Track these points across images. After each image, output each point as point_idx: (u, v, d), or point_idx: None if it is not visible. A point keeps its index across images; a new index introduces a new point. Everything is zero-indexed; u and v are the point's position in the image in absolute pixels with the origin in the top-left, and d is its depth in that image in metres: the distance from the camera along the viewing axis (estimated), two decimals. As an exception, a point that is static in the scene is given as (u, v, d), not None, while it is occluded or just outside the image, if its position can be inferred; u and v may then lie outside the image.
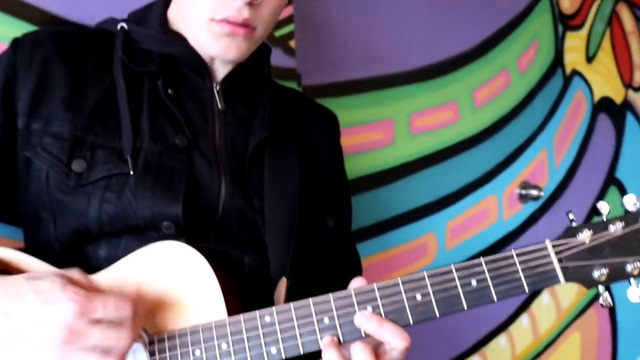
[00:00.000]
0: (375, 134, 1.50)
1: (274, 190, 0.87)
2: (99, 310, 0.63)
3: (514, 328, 1.80)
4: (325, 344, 0.70)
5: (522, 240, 1.84)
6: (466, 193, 1.69)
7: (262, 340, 0.71)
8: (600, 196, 2.11)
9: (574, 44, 2.03)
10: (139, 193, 0.78)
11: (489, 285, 0.71)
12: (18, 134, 0.80)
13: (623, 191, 2.20)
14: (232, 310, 0.73)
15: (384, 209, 1.51)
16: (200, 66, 0.88)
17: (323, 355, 0.70)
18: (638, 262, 0.71)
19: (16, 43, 0.84)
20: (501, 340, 1.77)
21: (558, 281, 0.71)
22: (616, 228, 0.72)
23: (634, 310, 2.24)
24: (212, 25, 0.82)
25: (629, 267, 0.71)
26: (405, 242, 1.55)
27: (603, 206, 0.74)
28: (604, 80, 2.15)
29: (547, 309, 1.91)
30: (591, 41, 2.11)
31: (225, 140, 0.87)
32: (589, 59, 2.10)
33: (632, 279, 0.72)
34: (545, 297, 1.90)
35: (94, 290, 0.66)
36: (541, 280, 0.71)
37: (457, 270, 0.71)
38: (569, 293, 1.98)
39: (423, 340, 1.57)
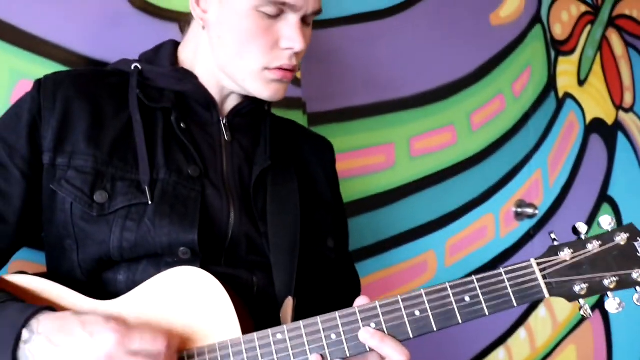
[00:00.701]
0: (377, 157, 1.55)
1: (277, 214, 0.92)
2: (136, 342, 0.70)
3: (512, 341, 1.84)
4: None
5: (519, 257, 1.88)
6: (464, 212, 1.74)
7: (275, 356, 0.76)
8: (594, 213, 2.15)
9: (566, 68, 2.08)
10: (157, 221, 0.83)
11: (480, 301, 0.77)
12: (44, 169, 0.85)
13: (616, 208, 2.24)
14: (245, 328, 0.78)
15: (386, 228, 1.56)
16: (208, 102, 0.94)
17: None
18: (614, 277, 0.77)
19: (39, 84, 0.88)
20: (500, 352, 1.81)
21: (543, 296, 0.77)
22: (594, 246, 0.79)
23: (629, 324, 2.28)
24: (265, 73, 0.89)
25: (606, 282, 0.78)
26: (406, 259, 1.60)
27: (581, 226, 0.81)
28: (596, 102, 2.20)
29: (544, 323, 1.95)
30: (582, 65, 2.15)
31: (232, 170, 0.93)
32: (581, 82, 2.14)
33: (609, 293, 0.78)
34: (541, 310, 1.95)
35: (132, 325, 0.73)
36: (528, 295, 0.77)
37: (451, 287, 0.77)
38: (564, 307, 2.02)
39: (425, 354, 1.62)
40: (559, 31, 2.07)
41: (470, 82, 1.77)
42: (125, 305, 0.79)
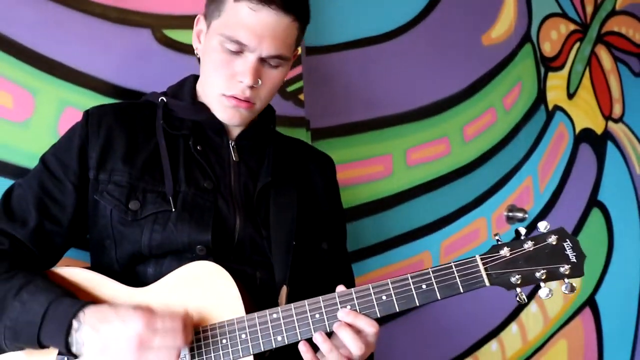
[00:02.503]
0: (375, 167, 1.67)
1: (277, 221, 1.07)
2: (159, 323, 0.86)
3: (504, 334, 1.94)
4: (317, 333, 0.91)
5: None
6: (458, 216, 1.85)
7: (271, 331, 0.92)
8: (584, 217, 2.23)
9: (556, 83, 2.17)
10: (179, 225, 0.99)
11: (434, 288, 0.92)
12: (89, 183, 1.02)
13: (606, 213, 2.31)
14: (248, 310, 0.94)
15: (385, 231, 1.68)
16: (219, 129, 1.08)
17: (314, 337, 0.91)
18: (544, 270, 0.91)
19: (87, 115, 1.05)
20: (492, 345, 1.92)
21: (485, 284, 0.92)
22: (528, 245, 0.93)
23: (619, 320, 2.35)
24: (222, 99, 1.04)
25: (537, 274, 0.92)
26: (404, 259, 1.72)
27: (521, 230, 0.94)
28: (585, 114, 2.27)
29: (535, 318, 2.05)
30: (572, 80, 2.23)
31: (239, 185, 1.07)
32: (570, 95, 2.22)
33: (541, 283, 0.92)
34: (532, 307, 2.05)
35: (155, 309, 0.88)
36: (472, 284, 0.92)
37: (412, 277, 0.93)
38: (555, 304, 2.12)
39: (422, 343, 1.74)
40: (549, 49, 2.15)
41: (463, 97, 1.87)
42: (153, 292, 0.96)
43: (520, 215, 1.96)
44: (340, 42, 1.60)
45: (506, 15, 2.00)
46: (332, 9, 1.58)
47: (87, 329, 0.85)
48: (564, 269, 0.91)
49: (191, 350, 0.92)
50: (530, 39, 2.09)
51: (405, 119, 1.74)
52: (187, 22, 1.28)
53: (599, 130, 2.33)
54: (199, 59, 1.10)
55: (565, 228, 0.94)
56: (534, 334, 2.05)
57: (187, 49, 1.29)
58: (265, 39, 0.99)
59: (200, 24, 1.08)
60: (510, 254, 0.92)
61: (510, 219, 1.98)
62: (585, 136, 2.27)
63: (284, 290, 1.01)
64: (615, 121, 2.40)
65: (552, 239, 0.92)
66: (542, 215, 2.10)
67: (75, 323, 0.85)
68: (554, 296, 0.94)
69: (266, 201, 1.09)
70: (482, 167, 1.92)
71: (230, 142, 1.10)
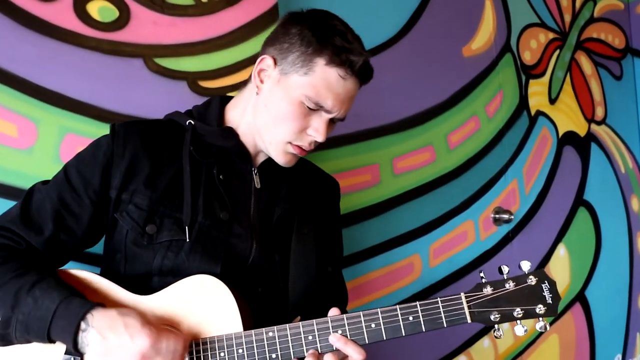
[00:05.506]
0: (364, 176, 1.71)
1: (298, 251, 1.09)
2: (163, 344, 0.88)
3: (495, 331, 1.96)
4: (309, 354, 0.94)
5: (499, 257, 2.00)
6: (445, 220, 1.87)
7: (266, 348, 0.95)
8: (571, 216, 2.25)
9: (537, 89, 2.19)
10: (191, 256, 1.00)
11: (420, 321, 0.94)
12: (111, 201, 1.01)
13: (592, 211, 2.32)
14: (246, 325, 0.96)
15: (375, 236, 1.72)
16: (245, 156, 1.09)
17: None
18: (522, 310, 0.95)
19: (114, 132, 1.03)
20: (485, 341, 1.94)
21: (467, 321, 0.94)
22: (510, 285, 0.96)
23: (610, 314, 2.35)
24: (287, 146, 1.04)
25: (515, 313, 0.95)
26: (394, 262, 1.75)
27: (504, 268, 0.97)
28: (567, 117, 2.28)
29: (525, 315, 2.06)
30: (553, 86, 2.25)
31: (258, 212, 1.08)
32: (552, 100, 2.24)
33: (518, 321, 0.96)
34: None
35: (161, 327, 0.91)
36: (455, 320, 0.94)
37: (400, 309, 0.95)
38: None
39: (415, 340, 1.76)
40: (529, 57, 2.17)
41: (446, 107, 1.90)
42: (156, 301, 0.98)
43: (506, 217, 1.99)
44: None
45: (485, 27, 2.03)
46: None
47: (93, 333, 0.87)
48: (539, 309, 0.94)
49: None
50: (510, 49, 2.11)
51: (391, 129, 1.77)
52: (176, 50, 1.34)
53: (582, 132, 2.34)
54: (247, 83, 1.11)
55: (545, 271, 0.97)
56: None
57: (178, 75, 1.35)
58: (344, 104, 1.03)
59: (264, 63, 1.05)
60: (493, 293, 0.95)
61: (496, 221, 2.01)
62: (568, 139, 2.29)
63: (297, 319, 1.02)
64: (598, 123, 2.41)
65: (532, 280, 0.95)
66: (529, 215, 2.12)
67: (83, 324, 0.87)
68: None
69: (284, 226, 1.10)
70: (468, 172, 1.95)
71: (253, 170, 1.11)
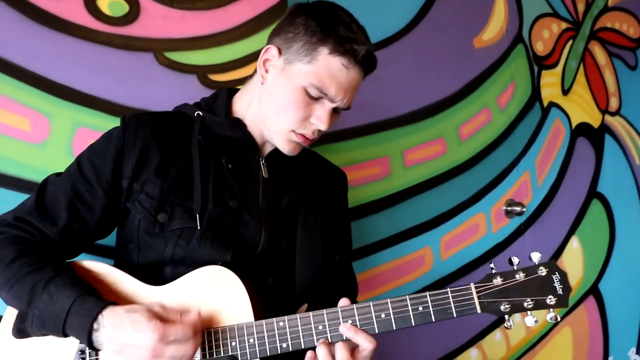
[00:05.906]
0: (374, 169, 1.70)
1: (304, 239, 1.10)
2: (171, 336, 0.88)
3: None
4: (319, 343, 0.95)
5: (511, 249, 1.98)
6: (456, 212, 1.86)
7: (277, 338, 0.95)
8: (584, 208, 2.22)
9: (550, 80, 2.15)
10: (202, 243, 1.01)
11: (430, 311, 0.95)
12: (122, 191, 1.03)
13: (606, 203, 2.29)
14: (257, 315, 0.97)
15: (386, 229, 1.71)
16: (252, 146, 1.10)
17: (317, 350, 0.94)
18: (532, 301, 0.94)
19: (125, 124, 1.05)
20: (496, 334, 1.92)
21: (477, 311, 0.94)
22: (520, 276, 0.95)
23: (624, 307, 2.32)
24: (291, 134, 1.05)
25: (525, 304, 0.95)
26: (405, 254, 1.74)
27: (515, 259, 0.97)
28: (580, 109, 2.25)
29: (538, 307, 2.04)
30: (566, 77, 2.21)
31: (267, 201, 1.09)
32: (565, 91, 2.20)
33: (528, 312, 0.95)
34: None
35: (169, 319, 0.91)
36: (465, 310, 0.95)
37: (410, 299, 0.96)
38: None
39: (426, 332, 1.76)
40: (541, 48, 2.14)
41: (457, 99, 1.88)
42: (169, 292, 0.99)
43: (518, 209, 1.97)
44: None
45: (497, 18, 2.01)
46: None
47: (105, 332, 0.88)
48: (551, 300, 0.94)
49: (202, 349, 0.95)
50: (522, 39, 2.09)
51: (401, 122, 1.76)
52: (186, 44, 1.35)
53: (595, 124, 2.31)
54: (253, 75, 1.12)
55: (556, 263, 0.96)
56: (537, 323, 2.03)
57: (188, 69, 1.36)
58: (347, 94, 1.03)
59: (269, 53, 1.06)
60: (503, 284, 0.95)
61: (508, 213, 1.99)
62: (582, 130, 2.25)
63: (303, 307, 1.04)
64: (612, 114, 2.37)
65: (542, 271, 0.95)
66: (542, 208, 2.10)
67: (95, 324, 0.89)
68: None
69: (291, 215, 1.11)
70: (479, 164, 1.93)
71: (261, 159, 1.12)
